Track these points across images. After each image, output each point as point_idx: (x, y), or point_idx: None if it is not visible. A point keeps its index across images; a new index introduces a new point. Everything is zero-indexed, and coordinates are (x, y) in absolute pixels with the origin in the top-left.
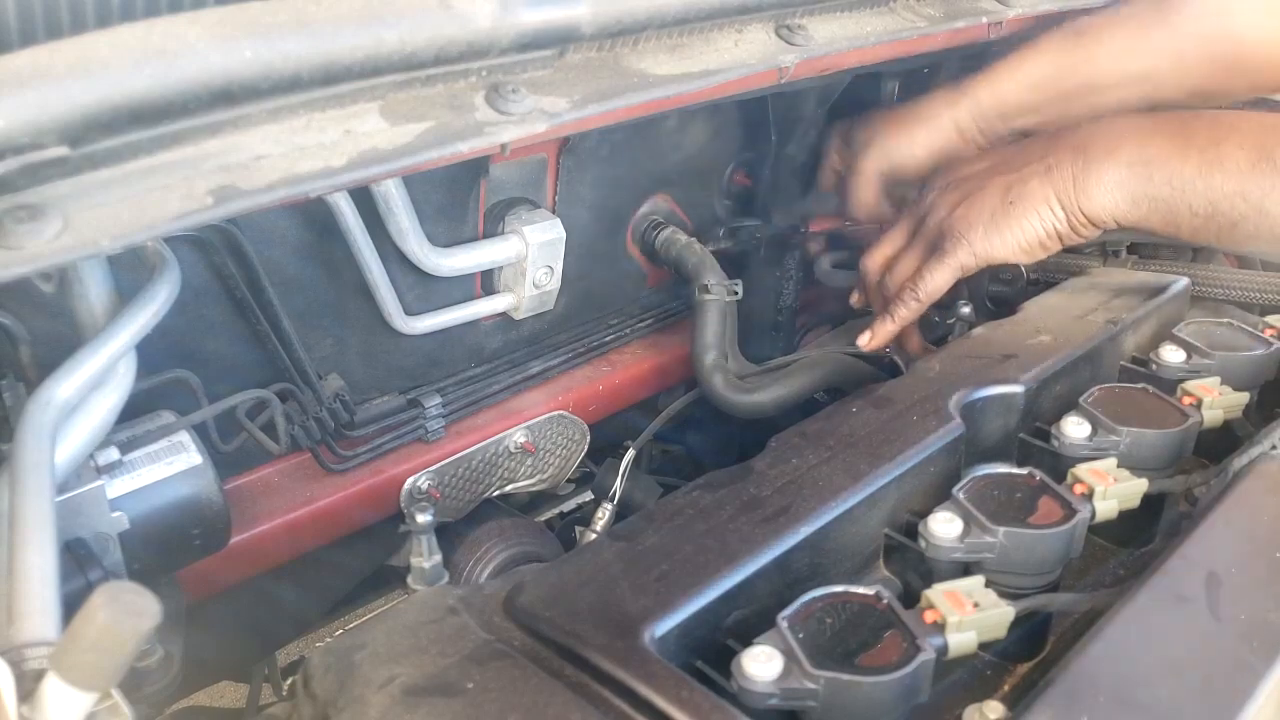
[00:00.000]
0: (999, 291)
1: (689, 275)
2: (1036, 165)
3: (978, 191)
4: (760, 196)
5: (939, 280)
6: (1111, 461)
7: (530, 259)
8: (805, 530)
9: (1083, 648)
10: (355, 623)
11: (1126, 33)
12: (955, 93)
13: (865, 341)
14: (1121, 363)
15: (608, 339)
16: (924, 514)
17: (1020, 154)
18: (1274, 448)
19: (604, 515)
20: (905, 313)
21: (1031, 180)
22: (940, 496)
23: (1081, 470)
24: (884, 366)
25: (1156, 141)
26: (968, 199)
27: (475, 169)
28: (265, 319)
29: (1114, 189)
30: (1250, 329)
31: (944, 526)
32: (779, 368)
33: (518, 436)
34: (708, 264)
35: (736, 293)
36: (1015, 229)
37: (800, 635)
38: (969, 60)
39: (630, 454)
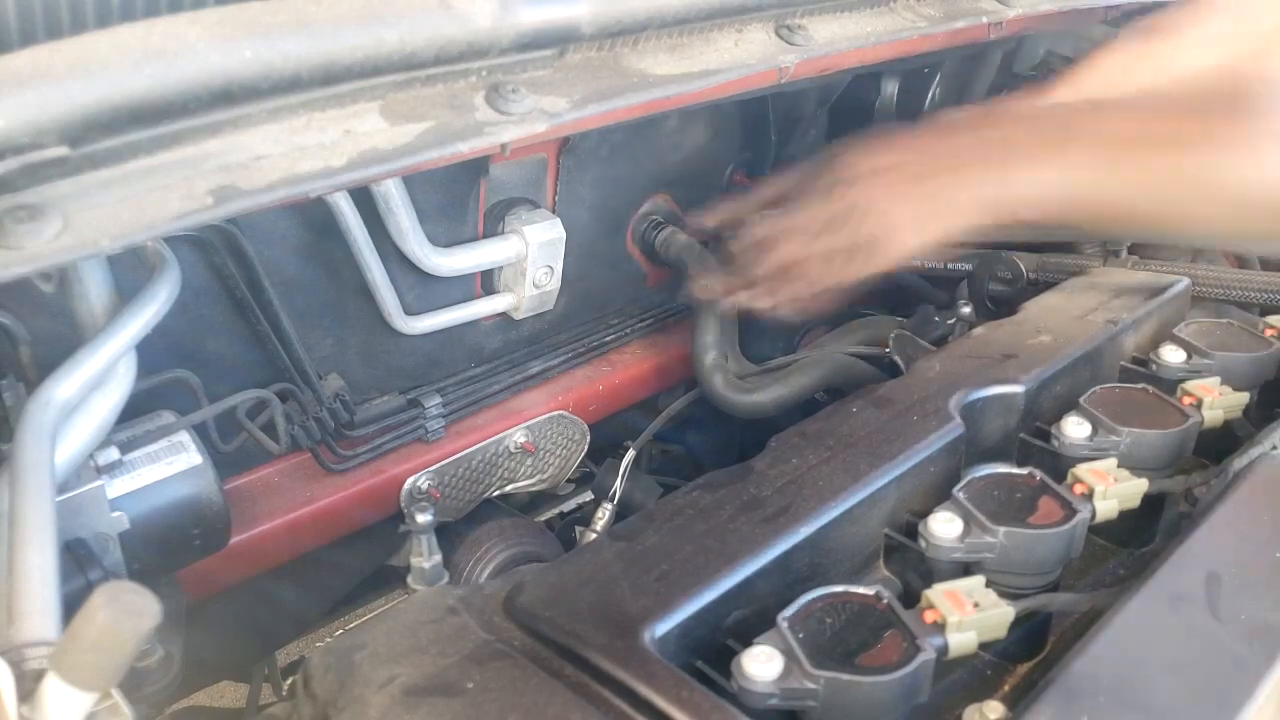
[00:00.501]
0: (999, 291)
1: (689, 275)
2: (962, 167)
3: (902, 191)
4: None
5: (853, 277)
6: (1112, 461)
7: (530, 259)
8: (805, 530)
9: (1083, 648)
10: (355, 623)
11: (1198, 26)
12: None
13: (705, 289)
14: (1122, 363)
15: (608, 339)
16: (924, 514)
17: (941, 147)
18: (1274, 448)
19: (604, 515)
20: (790, 295)
21: (957, 183)
22: (940, 496)
23: (1082, 470)
24: (884, 367)
25: (1074, 146)
26: (890, 197)
27: (475, 169)
28: (265, 319)
29: (1038, 189)
30: (1250, 329)
31: (944, 526)
32: (779, 368)
33: (518, 436)
34: (706, 263)
35: None
36: (941, 231)
37: (800, 635)
38: (968, 62)
39: (631, 454)
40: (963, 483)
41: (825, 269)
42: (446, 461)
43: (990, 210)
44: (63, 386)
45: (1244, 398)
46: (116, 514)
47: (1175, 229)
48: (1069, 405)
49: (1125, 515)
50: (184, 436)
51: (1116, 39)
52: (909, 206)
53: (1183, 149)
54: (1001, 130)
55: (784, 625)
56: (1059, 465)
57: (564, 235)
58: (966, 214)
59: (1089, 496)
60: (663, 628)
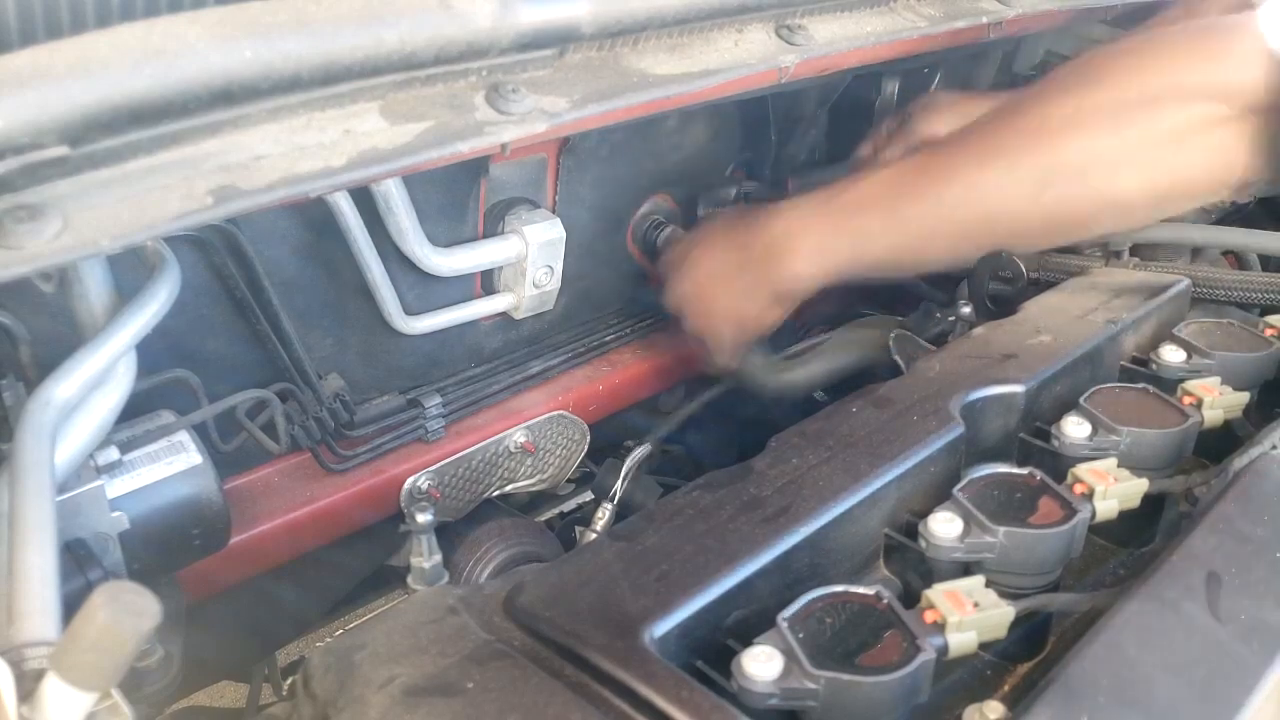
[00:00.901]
0: (999, 291)
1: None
2: (733, 259)
3: (693, 290)
4: (760, 196)
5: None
6: (1112, 461)
7: (530, 259)
8: (805, 530)
9: (1083, 648)
10: (355, 623)
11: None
12: None
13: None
14: (1122, 363)
15: (608, 339)
16: (924, 514)
17: (720, 241)
18: (1274, 447)
19: (604, 515)
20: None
21: (731, 276)
22: (940, 496)
23: (1082, 470)
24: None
25: (825, 204)
26: (686, 298)
27: (475, 169)
28: (265, 319)
29: (801, 264)
30: (1250, 329)
31: (944, 526)
32: (801, 351)
33: (518, 436)
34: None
35: None
36: (725, 323)
37: (800, 635)
38: (968, 62)
39: (635, 453)
40: (963, 483)
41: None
42: (446, 461)
43: (760, 280)
44: (63, 386)
45: (1244, 398)
46: (116, 514)
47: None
48: (1069, 405)
49: (1125, 515)
50: (184, 436)
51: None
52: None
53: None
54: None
55: (784, 625)
56: (1059, 465)
57: (564, 235)
58: (759, 306)
59: (1089, 496)
60: (663, 628)
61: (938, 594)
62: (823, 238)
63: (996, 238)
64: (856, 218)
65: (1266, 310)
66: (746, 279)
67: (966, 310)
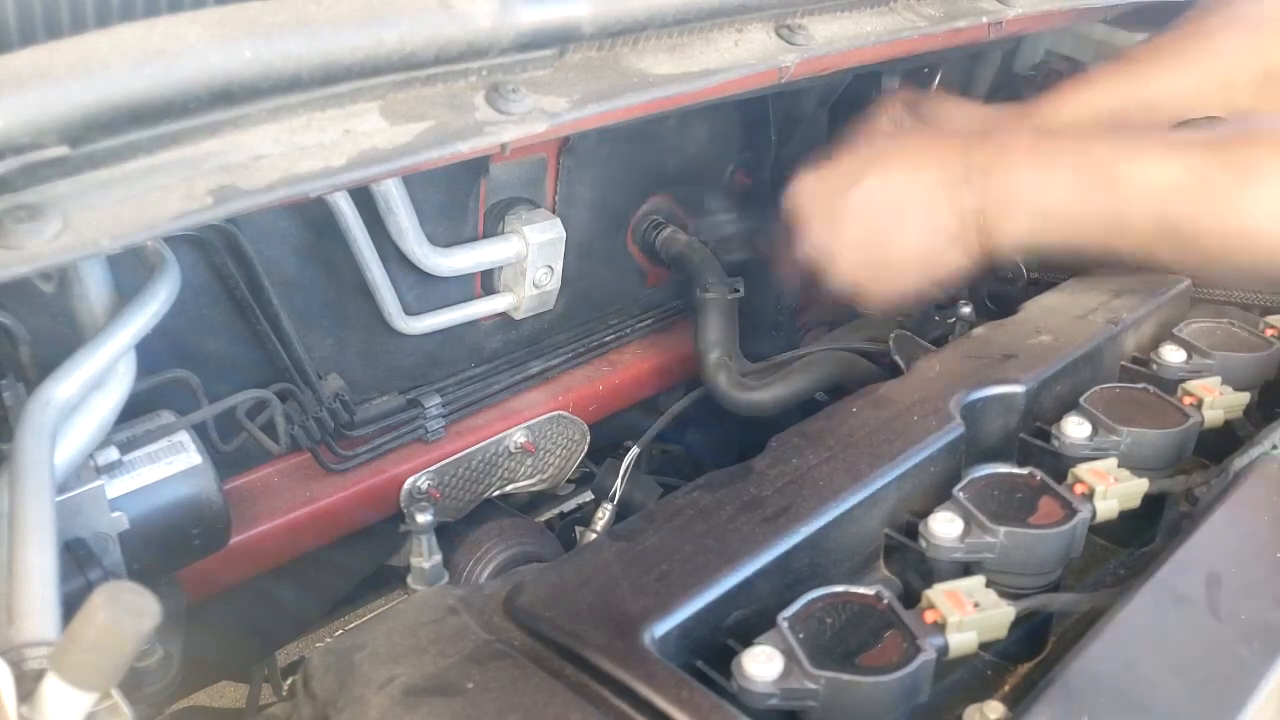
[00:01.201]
0: (999, 291)
1: (690, 275)
2: (927, 184)
3: (854, 219)
4: (760, 196)
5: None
6: (1112, 461)
7: (530, 259)
8: (805, 530)
9: (1083, 648)
10: (355, 623)
11: (1174, 59)
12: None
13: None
14: (1122, 363)
15: (608, 339)
16: (924, 514)
17: (909, 156)
18: (1274, 448)
19: (604, 515)
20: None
21: (922, 207)
22: (941, 496)
23: (1082, 470)
24: (884, 366)
25: (1055, 201)
26: (840, 227)
27: (475, 169)
28: (265, 319)
29: (1017, 248)
30: (1250, 329)
31: (944, 526)
32: (779, 365)
33: (518, 436)
34: (708, 263)
35: (738, 290)
36: (896, 273)
37: (800, 635)
38: (968, 61)
39: (632, 454)
40: (963, 483)
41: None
42: (446, 461)
43: (970, 224)
44: (62, 386)
45: (1244, 398)
46: (116, 514)
47: (1137, 262)
48: (1069, 405)
49: (1126, 515)
50: (184, 436)
51: (1095, 68)
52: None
53: (1167, 192)
54: (984, 145)
55: (784, 625)
56: (1059, 465)
57: (564, 235)
58: (948, 230)
59: (1089, 496)
60: (663, 628)
61: (938, 594)
62: (1070, 199)
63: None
64: (1112, 213)
65: (1266, 310)
66: (954, 219)
67: (967, 310)
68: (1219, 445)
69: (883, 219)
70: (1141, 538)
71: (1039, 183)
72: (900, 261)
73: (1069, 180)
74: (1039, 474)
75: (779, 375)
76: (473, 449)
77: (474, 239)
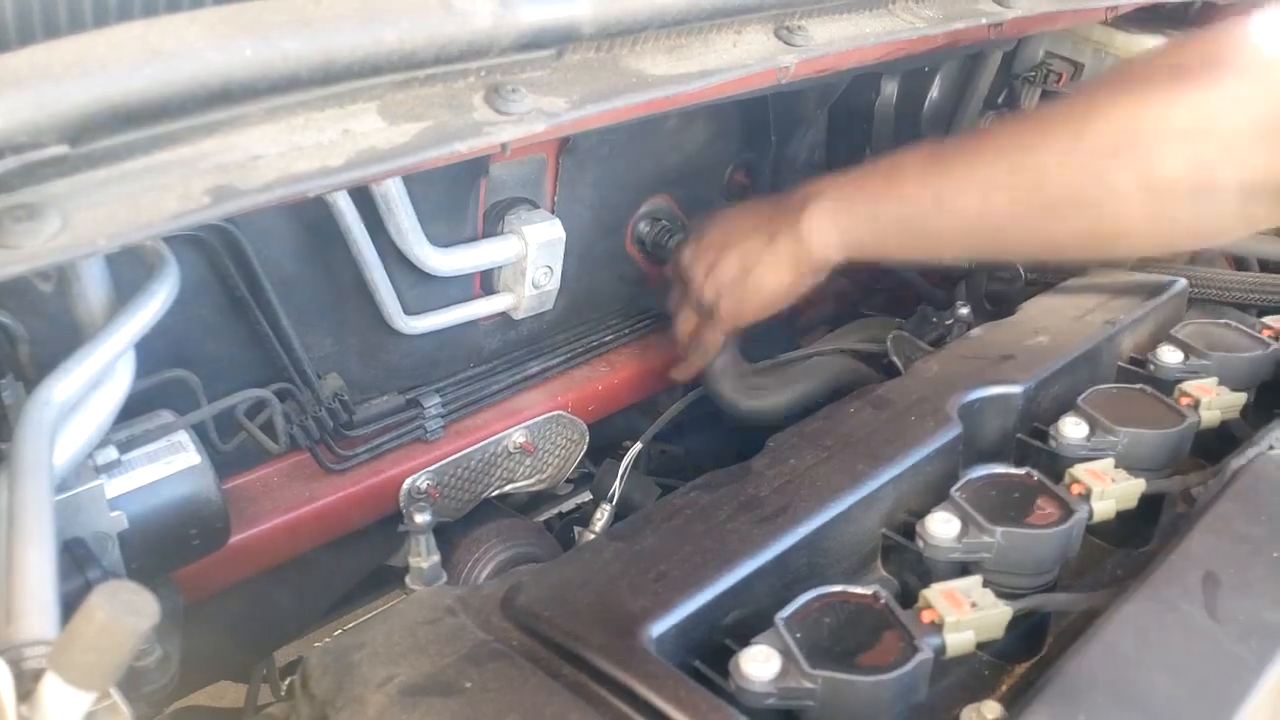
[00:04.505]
0: (997, 291)
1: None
2: (761, 232)
3: (720, 263)
4: (760, 197)
5: (710, 342)
6: (1109, 462)
7: (530, 259)
8: (803, 530)
9: (1080, 648)
10: (354, 623)
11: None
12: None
13: (676, 375)
14: (1119, 363)
15: (607, 339)
16: (922, 514)
17: (748, 218)
18: (1271, 448)
19: (603, 515)
20: (698, 361)
21: (760, 247)
22: (938, 496)
23: (1079, 470)
24: (883, 367)
25: (849, 183)
26: (713, 271)
27: (475, 169)
28: (264, 319)
29: (825, 234)
30: (1248, 329)
31: (942, 526)
32: (783, 365)
33: (517, 436)
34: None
35: None
36: (756, 293)
37: (798, 635)
38: (968, 62)
39: (631, 454)
40: (960, 483)
41: (696, 340)
42: (446, 461)
43: (792, 252)
44: (62, 386)
45: (1241, 398)
46: (115, 513)
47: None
48: (1067, 405)
49: (1123, 515)
50: (183, 436)
51: (1146, 71)
52: (728, 276)
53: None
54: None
55: (782, 625)
56: (1056, 465)
57: (564, 235)
58: (779, 274)
59: (1086, 497)
60: (661, 628)
61: (935, 594)
62: (853, 208)
63: (997, 247)
64: (888, 194)
65: (1264, 311)
66: (775, 248)
67: (965, 311)
68: (1216, 446)
69: (729, 258)
70: (1138, 538)
71: (841, 200)
72: (756, 291)
73: (868, 188)
74: (1036, 474)
75: (781, 380)
76: (472, 449)
77: (474, 239)
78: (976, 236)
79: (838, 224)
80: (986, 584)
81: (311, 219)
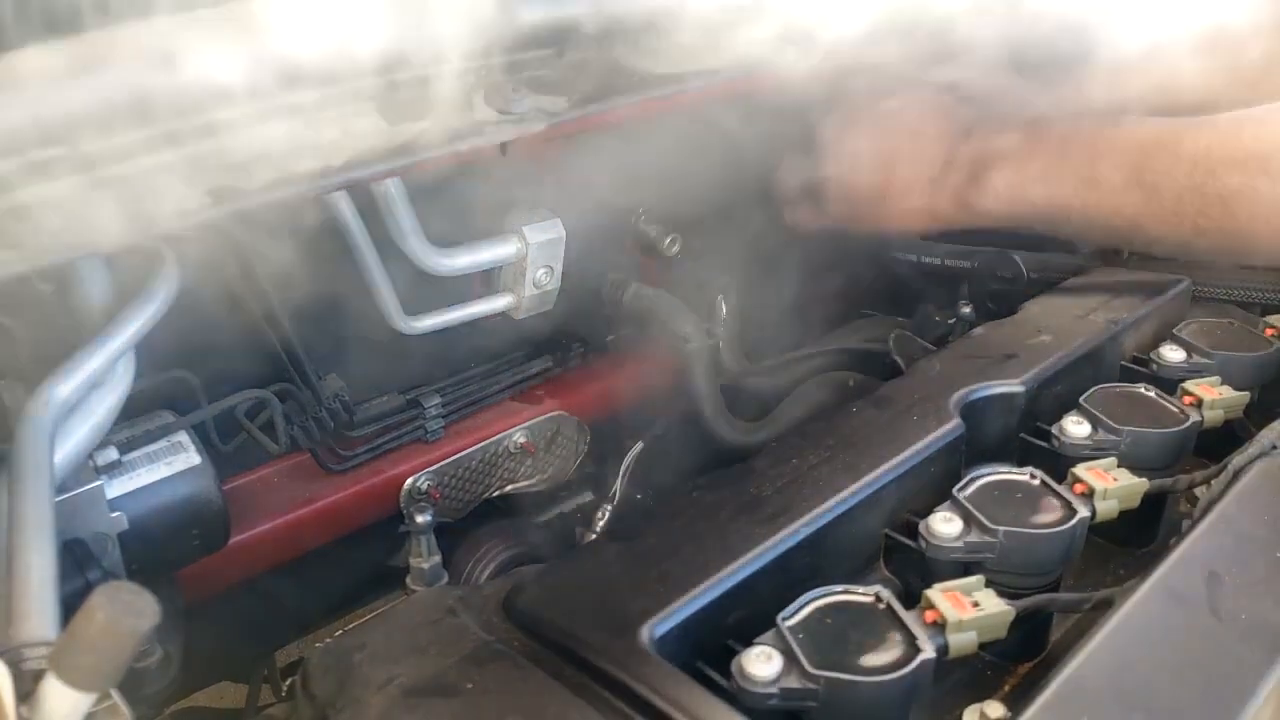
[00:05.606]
0: (999, 291)
1: (663, 326)
2: (926, 162)
3: (866, 167)
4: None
5: (805, 218)
6: (1112, 461)
7: (530, 259)
8: (805, 530)
9: (1083, 647)
10: (355, 623)
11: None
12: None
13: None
14: (1122, 362)
15: (608, 339)
16: (924, 514)
17: (925, 144)
18: (1274, 447)
19: (604, 515)
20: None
21: (922, 185)
22: (940, 496)
23: (1082, 470)
24: (885, 368)
25: (1036, 163)
26: (856, 166)
27: (475, 168)
28: (265, 319)
29: (996, 201)
30: (1251, 329)
31: (944, 526)
32: (785, 364)
33: (517, 437)
34: (680, 312)
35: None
36: (885, 215)
37: (800, 635)
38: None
39: (632, 454)
40: (963, 482)
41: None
42: (446, 462)
43: (959, 171)
44: (62, 386)
45: (1244, 397)
46: (115, 514)
47: (1104, 228)
48: (1069, 405)
49: (1125, 515)
50: (183, 436)
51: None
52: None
53: (1141, 144)
54: (989, 121)
55: (784, 625)
56: (1059, 465)
57: (564, 235)
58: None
59: (1089, 496)
60: (662, 628)
61: (938, 594)
62: (1045, 170)
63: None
64: (1086, 168)
65: (1267, 310)
66: (947, 163)
67: (967, 310)
68: (1219, 445)
69: (890, 146)
70: (1141, 538)
71: (1025, 147)
72: (895, 189)
73: (1053, 144)
74: (1039, 474)
75: (776, 414)
76: (472, 449)
77: (474, 239)
78: (1129, 233)
79: (1013, 197)
80: (989, 584)
81: (312, 219)
